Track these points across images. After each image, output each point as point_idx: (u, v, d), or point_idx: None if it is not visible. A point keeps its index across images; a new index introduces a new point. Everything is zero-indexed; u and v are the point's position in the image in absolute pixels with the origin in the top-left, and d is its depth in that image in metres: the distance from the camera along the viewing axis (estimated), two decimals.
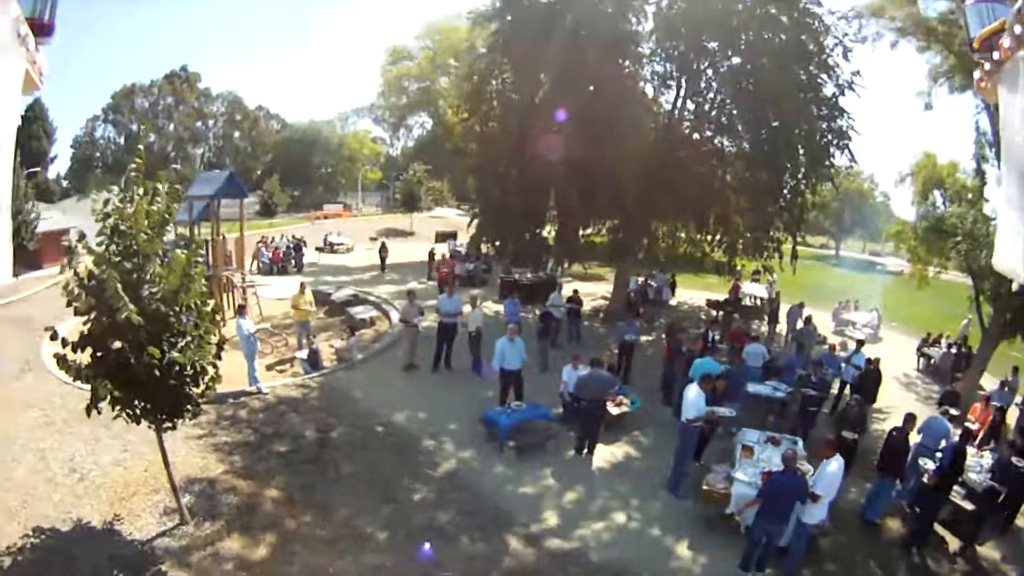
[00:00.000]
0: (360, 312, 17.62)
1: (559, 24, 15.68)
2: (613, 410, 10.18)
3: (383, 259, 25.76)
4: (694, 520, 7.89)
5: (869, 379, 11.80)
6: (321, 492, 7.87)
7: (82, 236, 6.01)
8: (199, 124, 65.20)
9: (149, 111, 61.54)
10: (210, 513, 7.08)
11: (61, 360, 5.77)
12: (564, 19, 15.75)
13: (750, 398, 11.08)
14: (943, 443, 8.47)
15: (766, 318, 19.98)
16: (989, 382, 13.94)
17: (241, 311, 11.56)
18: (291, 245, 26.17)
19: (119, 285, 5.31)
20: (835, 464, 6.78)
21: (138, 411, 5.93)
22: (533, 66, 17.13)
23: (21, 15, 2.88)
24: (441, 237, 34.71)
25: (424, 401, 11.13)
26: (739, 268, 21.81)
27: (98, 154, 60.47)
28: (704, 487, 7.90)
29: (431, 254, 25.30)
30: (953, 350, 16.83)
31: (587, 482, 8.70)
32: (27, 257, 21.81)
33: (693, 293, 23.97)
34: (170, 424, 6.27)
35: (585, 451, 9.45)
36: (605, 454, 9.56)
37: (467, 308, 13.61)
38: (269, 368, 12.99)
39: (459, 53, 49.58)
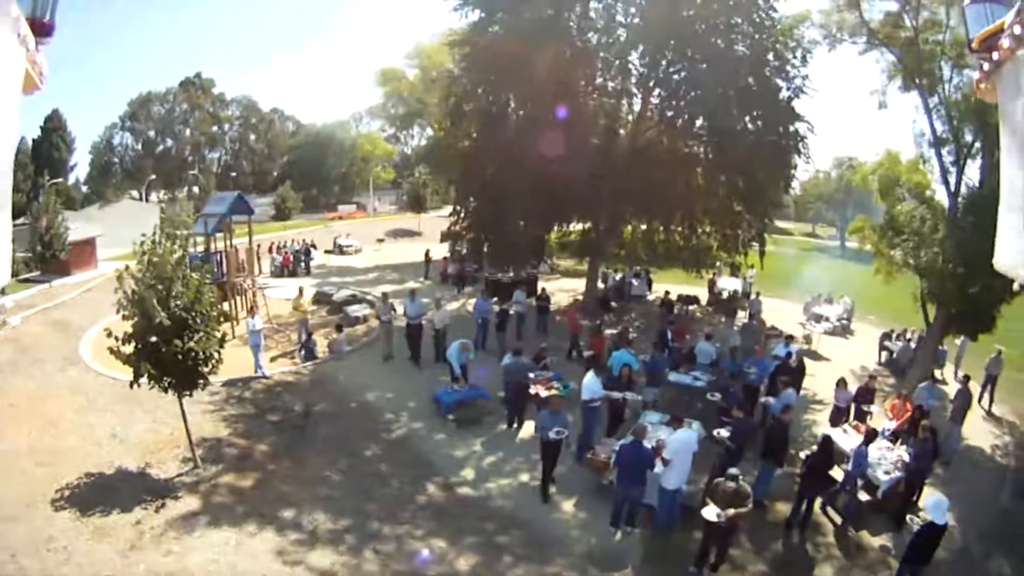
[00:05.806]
0: (355, 310, 20.08)
1: (528, 44, 16.43)
2: (543, 392, 11.99)
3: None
4: (586, 484, 9.50)
5: (786, 371, 12.35)
6: (299, 449, 10.45)
7: (127, 267, 8.56)
8: (215, 128, 67.56)
9: (165, 117, 63.98)
10: (215, 461, 9.76)
11: (112, 351, 8.34)
12: (532, 39, 16.48)
13: (673, 385, 12.84)
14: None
15: (735, 310, 21.35)
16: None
17: (251, 312, 14.17)
18: (300, 249, 28.73)
19: (155, 300, 7.92)
20: (682, 433, 8.53)
21: (166, 384, 8.57)
22: (505, 85, 18.66)
23: (21, 15, 2.86)
24: (446, 236, 36.89)
25: (393, 384, 13.61)
26: (717, 264, 23.40)
27: (116, 160, 62.66)
28: (589, 455, 9.75)
29: (427, 254, 27.74)
30: (912, 344, 16.90)
31: (508, 450, 10.89)
32: (59, 266, 24.81)
33: (671, 287, 24.23)
34: (188, 393, 8.95)
35: (515, 426, 11.66)
36: (531, 429, 11.46)
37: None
38: (274, 360, 15.35)
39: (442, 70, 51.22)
